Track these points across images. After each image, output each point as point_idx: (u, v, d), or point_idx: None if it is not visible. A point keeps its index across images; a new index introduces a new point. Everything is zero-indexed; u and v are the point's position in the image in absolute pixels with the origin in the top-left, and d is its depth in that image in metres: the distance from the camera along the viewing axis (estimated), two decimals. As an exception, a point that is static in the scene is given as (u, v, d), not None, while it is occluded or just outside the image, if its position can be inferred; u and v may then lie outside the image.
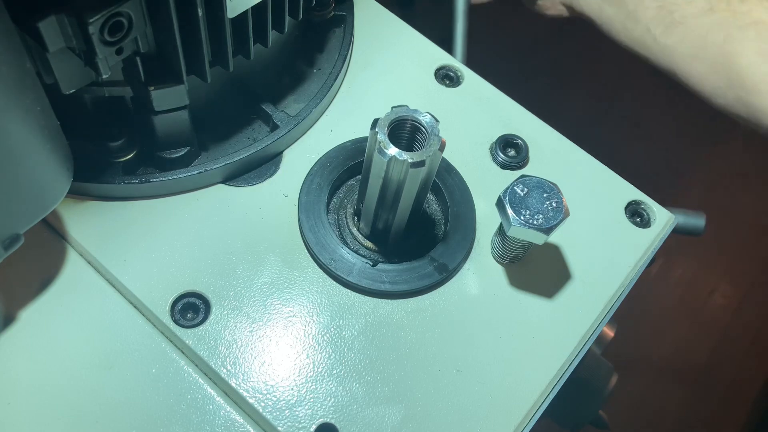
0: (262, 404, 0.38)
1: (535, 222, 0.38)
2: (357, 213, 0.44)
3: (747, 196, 1.37)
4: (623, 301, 0.45)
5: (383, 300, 0.42)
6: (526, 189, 0.39)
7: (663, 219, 0.47)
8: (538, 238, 0.39)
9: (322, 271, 0.42)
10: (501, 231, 0.41)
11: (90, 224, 0.42)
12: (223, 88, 0.44)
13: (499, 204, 0.39)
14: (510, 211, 0.38)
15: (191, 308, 0.40)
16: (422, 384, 0.39)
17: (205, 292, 0.41)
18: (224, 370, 0.38)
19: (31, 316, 0.40)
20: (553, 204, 0.39)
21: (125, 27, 0.33)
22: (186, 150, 0.43)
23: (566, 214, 0.39)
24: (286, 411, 0.38)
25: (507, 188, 0.39)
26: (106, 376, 0.38)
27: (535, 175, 0.39)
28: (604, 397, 0.62)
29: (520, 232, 0.38)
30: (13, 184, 0.33)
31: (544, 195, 0.39)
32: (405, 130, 0.37)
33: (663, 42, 0.53)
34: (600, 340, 0.63)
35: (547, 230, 0.38)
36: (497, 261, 0.44)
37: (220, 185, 0.44)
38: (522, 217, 0.38)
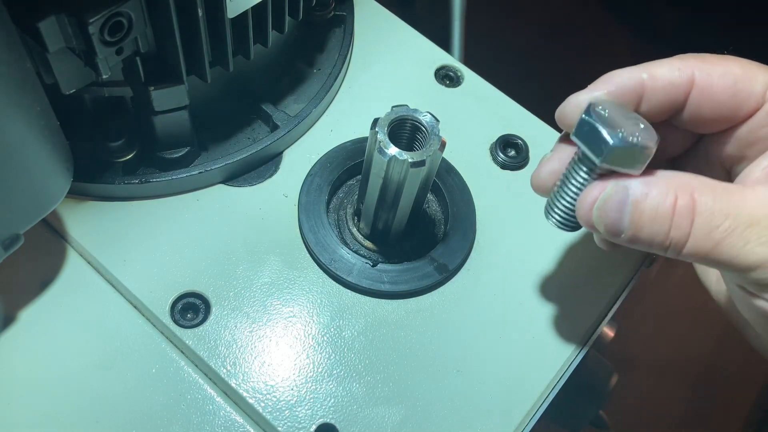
0: (262, 404, 0.38)
1: (637, 139, 0.30)
2: (357, 213, 0.44)
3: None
4: (623, 301, 0.45)
5: (383, 300, 0.42)
6: (606, 110, 0.31)
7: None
8: (639, 159, 0.31)
9: (322, 271, 0.42)
10: (577, 175, 0.33)
11: (90, 224, 0.42)
12: (223, 88, 0.44)
13: (584, 127, 0.31)
14: (604, 134, 0.30)
15: (191, 308, 0.40)
16: (422, 384, 0.39)
17: (205, 292, 0.41)
18: (224, 371, 0.38)
19: (31, 316, 0.40)
20: (642, 124, 0.32)
21: (125, 27, 0.33)
22: (186, 150, 0.43)
23: (658, 138, 0.31)
24: (286, 411, 0.38)
25: (587, 109, 0.32)
26: (106, 376, 0.38)
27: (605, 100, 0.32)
28: (604, 397, 0.62)
29: (620, 156, 0.31)
30: (13, 184, 0.33)
31: (628, 115, 0.32)
32: (405, 130, 0.37)
33: None
34: (600, 340, 0.63)
35: (654, 143, 0.31)
36: (563, 226, 0.35)
37: (220, 185, 0.44)
38: (621, 135, 0.30)
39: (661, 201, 0.30)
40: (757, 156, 0.33)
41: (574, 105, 0.34)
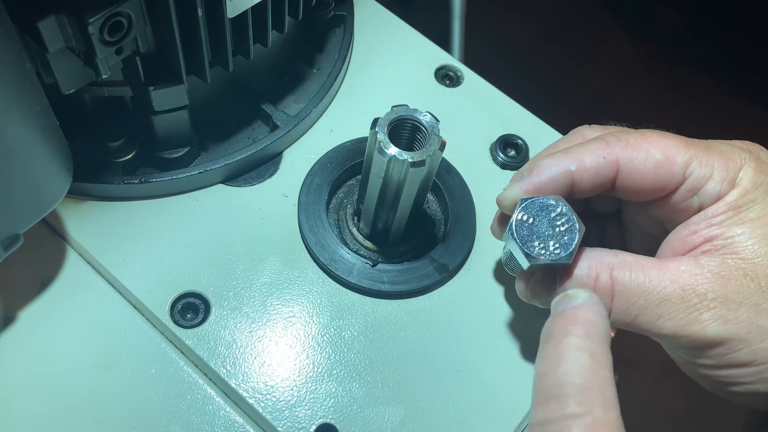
0: (262, 405, 0.38)
1: (554, 252, 0.34)
2: (357, 213, 0.44)
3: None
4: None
5: (383, 300, 0.42)
6: (531, 217, 0.35)
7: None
8: (559, 263, 0.35)
9: (321, 271, 0.42)
10: (514, 259, 0.38)
11: (90, 224, 0.42)
12: (223, 88, 0.44)
13: (509, 241, 0.35)
14: (523, 250, 0.35)
15: (191, 308, 0.40)
16: (422, 384, 0.39)
17: (204, 293, 0.41)
18: (224, 371, 0.38)
19: (31, 316, 0.40)
20: (565, 224, 0.35)
21: (125, 27, 0.33)
22: (186, 150, 0.43)
23: (581, 230, 0.35)
24: (286, 411, 0.38)
25: (511, 222, 0.35)
26: (106, 376, 0.38)
27: (534, 197, 0.36)
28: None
29: (541, 263, 0.35)
30: (12, 184, 0.33)
31: (552, 215, 0.35)
32: (405, 130, 0.37)
33: None
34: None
35: (568, 257, 0.34)
36: (511, 274, 0.41)
37: (220, 185, 0.44)
38: (536, 250, 0.35)
39: (584, 281, 0.34)
40: (681, 219, 0.36)
41: (510, 198, 0.37)
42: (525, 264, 0.35)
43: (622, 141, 0.36)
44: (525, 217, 0.35)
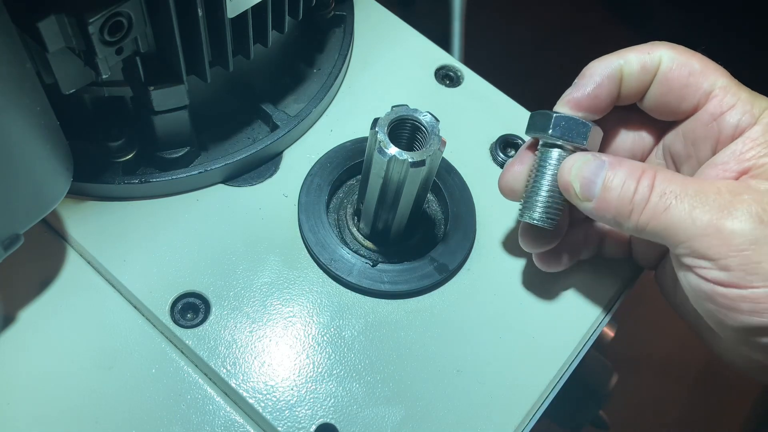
0: (262, 404, 0.38)
1: (596, 123, 0.38)
2: (357, 213, 0.44)
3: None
4: (623, 301, 0.45)
5: (383, 300, 0.42)
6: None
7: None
8: (601, 136, 0.39)
9: (322, 271, 0.42)
10: (549, 168, 0.38)
11: (90, 224, 0.42)
12: (223, 88, 0.44)
13: (561, 122, 0.37)
14: (576, 119, 0.37)
15: (191, 308, 0.40)
16: (422, 384, 0.39)
17: (205, 292, 0.41)
18: (224, 371, 0.38)
19: (31, 316, 0.40)
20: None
21: (125, 27, 0.33)
22: (186, 150, 0.43)
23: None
24: (286, 411, 0.38)
25: (554, 115, 0.38)
26: (106, 376, 0.38)
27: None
28: (604, 397, 0.62)
29: (594, 134, 0.38)
30: (12, 184, 0.33)
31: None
32: (405, 130, 0.37)
33: None
34: (600, 340, 0.63)
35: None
36: (546, 222, 0.39)
37: (220, 185, 0.44)
38: (589, 120, 0.38)
39: (630, 173, 0.35)
40: (701, 156, 0.38)
41: (564, 106, 0.39)
42: (585, 135, 0.37)
43: (669, 44, 0.38)
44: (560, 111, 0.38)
